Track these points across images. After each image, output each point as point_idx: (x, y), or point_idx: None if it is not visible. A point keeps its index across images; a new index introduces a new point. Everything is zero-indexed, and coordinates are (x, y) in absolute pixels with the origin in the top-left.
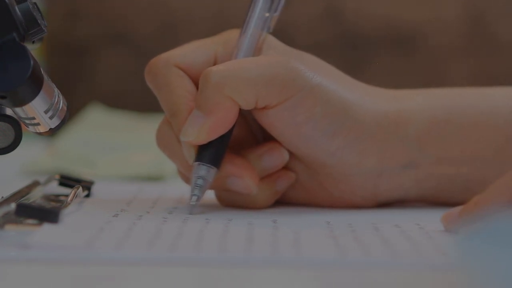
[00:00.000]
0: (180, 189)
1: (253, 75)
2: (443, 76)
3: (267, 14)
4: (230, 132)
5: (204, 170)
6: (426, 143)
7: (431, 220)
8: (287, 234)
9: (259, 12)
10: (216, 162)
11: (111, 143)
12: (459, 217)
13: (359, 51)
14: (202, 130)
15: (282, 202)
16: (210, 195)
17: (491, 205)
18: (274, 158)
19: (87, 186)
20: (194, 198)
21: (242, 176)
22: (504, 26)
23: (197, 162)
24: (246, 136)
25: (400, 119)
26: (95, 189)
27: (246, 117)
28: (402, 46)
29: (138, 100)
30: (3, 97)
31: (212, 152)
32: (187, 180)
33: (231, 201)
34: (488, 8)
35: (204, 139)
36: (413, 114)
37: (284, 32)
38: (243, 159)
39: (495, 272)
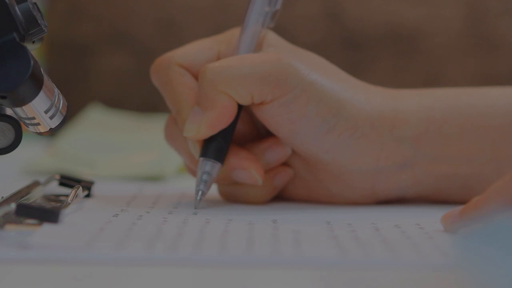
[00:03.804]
0: (180, 189)
1: (246, 72)
2: (443, 76)
3: (267, 9)
4: (232, 126)
5: (209, 166)
6: (423, 143)
7: (431, 220)
8: (287, 234)
9: (259, 7)
10: (220, 157)
11: (111, 143)
12: (459, 218)
13: (359, 51)
14: (201, 125)
15: (282, 199)
16: (210, 194)
17: (491, 206)
18: (276, 152)
19: (87, 186)
20: (200, 193)
21: (246, 167)
22: (504, 26)
23: (202, 158)
24: (250, 132)
25: (397, 120)
26: (95, 189)
27: (251, 114)
28: (402, 45)
29: (138, 100)
30: (3, 97)
31: (216, 147)
32: (194, 173)
33: (232, 196)
34: (488, 8)
35: (204, 134)
36: (410, 115)
37: (284, 32)
38: (247, 152)
39: (495, 272)
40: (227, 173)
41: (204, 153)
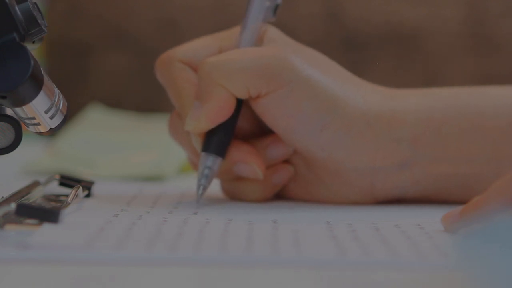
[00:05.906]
0: (180, 189)
1: (242, 65)
2: (443, 76)
3: (268, 3)
4: (233, 120)
5: (210, 160)
6: (423, 144)
7: (431, 220)
8: (287, 234)
9: (260, 1)
10: (221, 151)
11: (111, 143)
12: (459, 218)
13: (359, 51)
14: (200, 118)
15: (282, 199)
16: (211, 193)
17: (491, 206)
18: (278, 149)
19: (87, 186)
20: (201, 187)
21: (248, 161)
22: (504, 26)
23: (203, 152)
24: (253, 128)
25: (394, 119)
26: (95, 189)
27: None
28: (402, 45)
29: (138, 100)
30: (3, 97)
31: (217, 142)
32: (196, 167)
33: (232, 192)
34: (488, 8)
35: (203, 127)
36: (408, 115)
37: (284, 31)
38: (249, 146)
39: (495, 272)
40: (229, 167)
41: (206, 147)
